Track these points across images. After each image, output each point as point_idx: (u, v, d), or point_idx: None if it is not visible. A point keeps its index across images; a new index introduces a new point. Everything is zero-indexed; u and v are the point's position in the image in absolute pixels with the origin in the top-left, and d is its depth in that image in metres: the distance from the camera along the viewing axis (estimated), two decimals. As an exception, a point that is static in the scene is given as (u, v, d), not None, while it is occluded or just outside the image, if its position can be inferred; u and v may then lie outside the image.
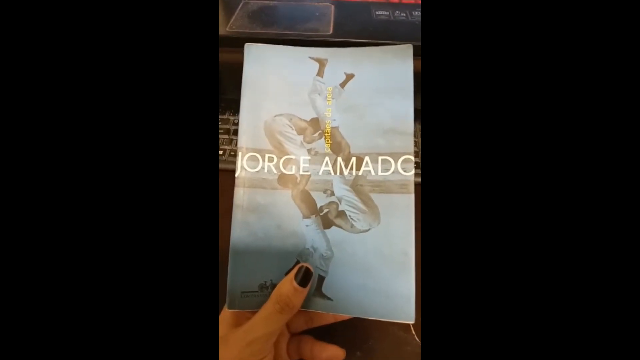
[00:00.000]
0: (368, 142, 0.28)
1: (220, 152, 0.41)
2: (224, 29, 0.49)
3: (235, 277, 0.26)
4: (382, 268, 0.26)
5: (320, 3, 0.53)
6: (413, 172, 0.27)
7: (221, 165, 0.40)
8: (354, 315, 0.26)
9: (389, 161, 0.27)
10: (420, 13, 0.51)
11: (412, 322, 0.25)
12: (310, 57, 0.30)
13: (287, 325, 0.28)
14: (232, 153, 0.41)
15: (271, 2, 0.54)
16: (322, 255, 0.27)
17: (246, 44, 0.30)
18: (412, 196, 0.27)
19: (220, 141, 0.42)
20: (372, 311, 0.26)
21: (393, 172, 0.27)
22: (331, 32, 0.48)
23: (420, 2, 0.53)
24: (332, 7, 0.52)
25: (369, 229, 0.27)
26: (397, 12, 0.51)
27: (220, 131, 0.42)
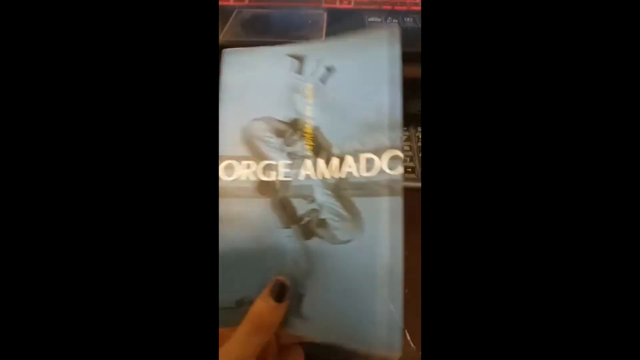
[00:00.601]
0: (351, 140, 0.25)
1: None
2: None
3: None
4: (364, 287, 0.22)
5: (312, 11, 0.53)
6: (401, 170, 0.23)
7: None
8: (331, 342, 0.22)
9: (373, 159, 0.24)
10: (412, 20, 0.52)
11: (397, 356, 0.21)
12: (288, 55, 0.28)
13: (277, 336, 0.27)
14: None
15: (264, 10, 0.54)
16: (302, 269, 0.24)
17: (224, 50, 0.29)
18: (400, 200, 0.23)
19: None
20: (351, 339, 0.22)
21: (378, 172, 0.23)
22: (324, 39, 0.48)
23: (413, 9, 0.54)
24: (325, 14, 0.53)
25: (350, 240, 0.23)
26: (389, 18, 0.52)
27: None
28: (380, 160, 0.24)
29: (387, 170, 0.23)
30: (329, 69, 0.26)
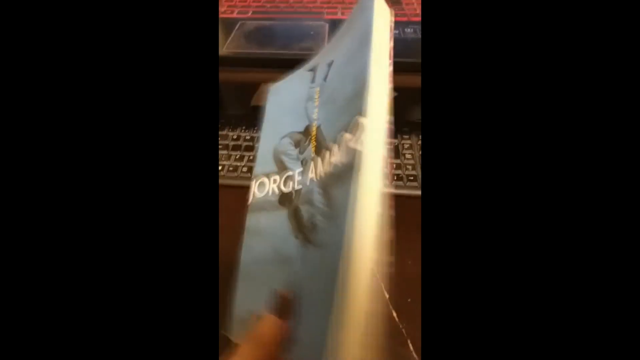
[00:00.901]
0: (337, 126, 0.22)
1: (219, 168, 0.41)
2: (221, 49, 0.50)
3: (235, 303, 0.25)
4: (316, 307, 0.18)
5: (314, 22, 0.54)
6: (360, 139, 0.18)
7: (220, 181, 0.40)
8: None
9: (347, 138, 0.20)
10: (413, 30, 0.53)
11: None
12: (304, 69, 0.30)
13: None
14: (231, 168, 0.41)
15: (267, 22, 0.55)
16: (298, 282, 0.21)
17: (263, 85, 0.32)
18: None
19: (219, 156, 0.42)
20: None
21: (349, 149, 0.19)
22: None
23: (413, 19, 0.55)
24: (327, 25, 0.54)
25: (322, 243, 0.20)
26: (390, 29, 0.52)
27: (219, 147, 0.43)
28: (350, 134, 0.19)
29: (350, 143, 0.19)
30: (329, 65, 0.27)
